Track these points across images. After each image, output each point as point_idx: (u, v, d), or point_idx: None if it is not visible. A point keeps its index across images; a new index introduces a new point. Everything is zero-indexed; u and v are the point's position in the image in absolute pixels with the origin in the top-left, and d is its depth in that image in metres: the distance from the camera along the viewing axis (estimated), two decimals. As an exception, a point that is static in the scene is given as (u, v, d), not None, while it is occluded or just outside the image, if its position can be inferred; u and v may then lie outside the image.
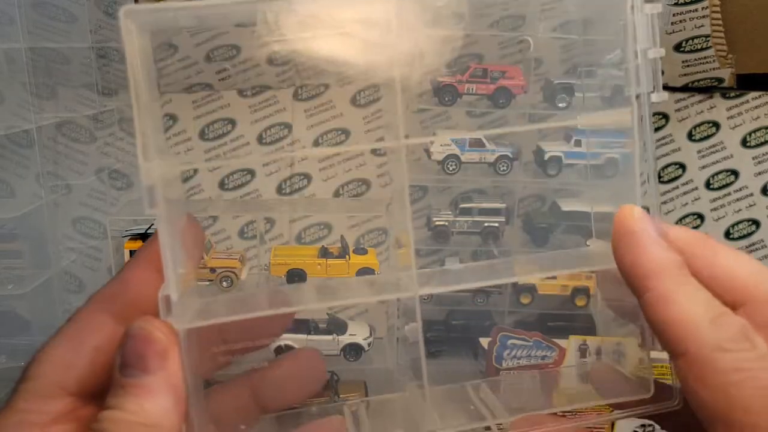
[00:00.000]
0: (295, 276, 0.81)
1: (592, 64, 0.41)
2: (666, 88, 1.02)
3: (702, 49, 0.88)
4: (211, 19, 0.40)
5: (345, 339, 0.82)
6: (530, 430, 0.36)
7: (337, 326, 0.82)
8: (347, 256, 0.81)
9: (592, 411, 0.38)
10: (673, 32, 0.87)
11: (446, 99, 0.82)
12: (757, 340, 0.30)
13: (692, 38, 0.87)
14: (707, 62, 0.89)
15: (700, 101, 0.96)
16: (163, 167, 0.31)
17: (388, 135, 0.35)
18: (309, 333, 0.81)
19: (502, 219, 0.87)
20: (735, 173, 0.97)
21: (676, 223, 0.98)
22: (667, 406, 0.36)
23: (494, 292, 0.88)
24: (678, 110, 0.96)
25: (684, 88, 0.94)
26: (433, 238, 0.87)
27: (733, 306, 0.31)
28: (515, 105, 0.83)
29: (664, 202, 0.98)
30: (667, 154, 0.98)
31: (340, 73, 0.34)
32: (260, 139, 0.95)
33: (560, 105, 0.81)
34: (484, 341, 0.79)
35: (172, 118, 0.94)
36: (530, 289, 0.88)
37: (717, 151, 0.97)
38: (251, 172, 0.95)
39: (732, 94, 0.95)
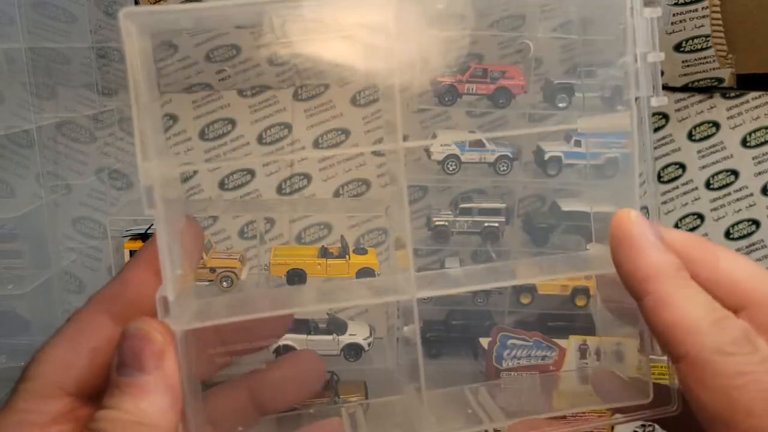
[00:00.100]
0: (295, 276, 0.81)
1: (592, 64, 0.41)
2: (666, 88, 1.03)
3: (702, 49, 0.88)
4: (211, 21, 0.39)
5: (345, 339, 0.82)
6: None
7: (337, 326, 0.82)
8: (347, 256, 0.81)
9: (591, 415, 0.38)
10: (673, 32, 0.87)
11: (446, 99, 0.82)
12: (759, 343, 0.30)
13: (692, 38, 0.87)
14: (707, 62, 0.89)
15: (700, 101, 0.96)
16: (162, 167, 0.31)
17: (388, 135, 0.35)
18: (309, 333, 0.81)
19: (502, 219, 0.87)
20: (735, 173, 0.97)
21: (676, 223, 0.98)
22: (665, 411, 0.36)
23: (494, 292, 0.88)
24: (678, 110, 0.96)
25: (684, 88, 0.94)
26: (433, 238, 0.87)
27: (734, 309, 0.31)
28: (515, 105, 0.83)
29: (664, 202, 0.98)
30: (667, 154, 0.98)
31: (341, 76, 0.35)
32: (260, 139, 0.95)
33: (560, 105, 0.81)
34: (484, 341, 0.79)
35: (172, 118, 0.94)
36: (530, 289, 0.88)
37: (717, 151, 0.97)
38: (251, 172, 0.95)
39: (732, 94, 0.95)
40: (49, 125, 0.87)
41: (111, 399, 0.29)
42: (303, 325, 0.82)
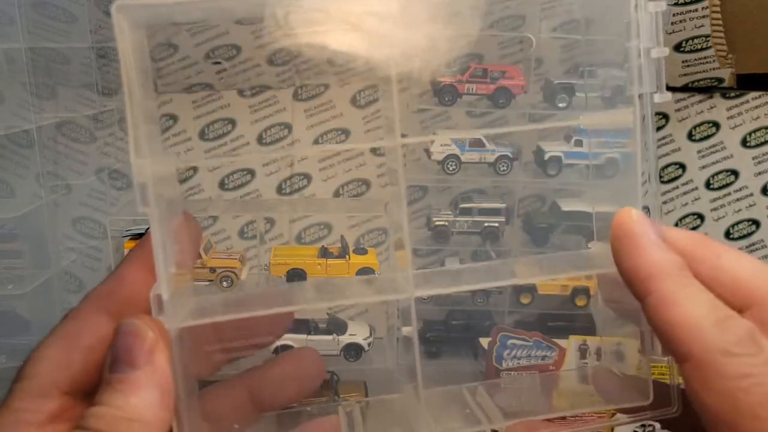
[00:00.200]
0: (295, 276, 0.81)
1: (593, 63, 0.41)
2: (666, 88, 1.02)
3: (702, 49, 0.88)
4: (209, 15, 0.39)
5: (345, 339, 0.82)
6: None
7: (337, 326, 0.82)
8: (347, 256, 0.81)
9: (590, 416, 0.38)
10: (673, 32, 0.87)
11: (446, 99, 0.82)
12: (764, 344, 0.29)
13: (692, 38, 0.87)
14: (707, 62, 0.89)
15: (700, 101, 0.96)
16: (156, 165, 0.30)
17: (387, 134, 0.35)
18: (309, 333, 0.81)
19: (502, 219, 0.87)
20: (735, 173, 0.97)
21: (676, 223, 0.98)
22: (666, 412, 0.36)
23: (494, 292, 0.88)
24: (678, 110, 0.96)
25: (684, 88, 0.94)
26: (433, 238, 0.87)
27: (738, 308, 0.31)
28: (515, 105, 0.83)
29: (664, 202, 0.98)
30: (667, 154, 0.98)
31: (342, 71, 0.35)
32: (260, 139, 0.95)
33: (560, 105, 0.81)
34: (484, 341, 0.79)
35: (172, 118, 0.94)
36: (530, 289, 0.88)
37: (717, 151, 0.97)
38: (251, 172, 0.95)
39: (732, 94, 0.95)
40: (49, 125, 0.87)
41: (102, 395, 0.29)
42: (303, 325, 0.82)
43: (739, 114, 0.96)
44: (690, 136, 0.97)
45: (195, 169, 0.94)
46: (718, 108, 0.96)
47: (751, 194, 0.97)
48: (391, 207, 0.36)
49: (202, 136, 0.94)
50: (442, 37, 0.34)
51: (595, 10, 0.39)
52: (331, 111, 0.95)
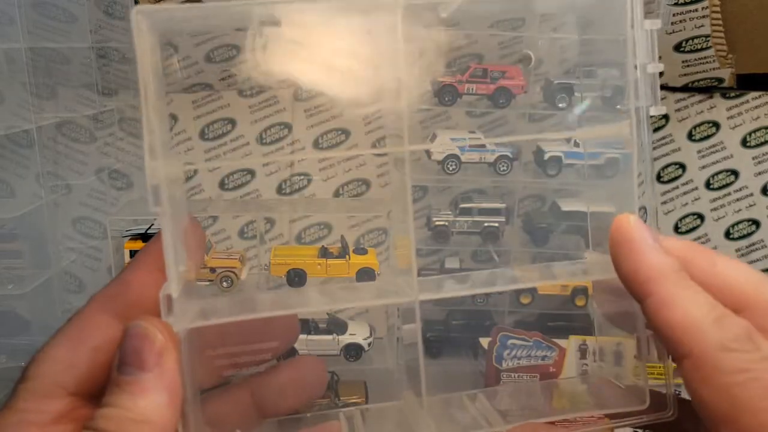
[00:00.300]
0: (295, 276, 0.81)
1: (593, 64, 0.41)
2: (666, 88, 1.03)
3: (702, 49, 0.88)
4: (223, 22, 0.40)
5: (345, 339, 0.82)
6: None
7: (337, 326, 0.82)
8: (347, 256, 0.81)
9: (590, 419, 0.38)
10: (673, 32, 0.87)
11: (446, 99, 0.82)
12: (760, 342, 0.30)
13: (692, 38, 0.87)
14: (707, 62, 0.89)
15: (700, 101, 0.96)
16: (168, 166, 0.31)
17: (389, 136, 0.35)
18: (309, 333, 0.81)
19: (502, 219, 0.87)
20: (735, 173, 0.97)
21: (676, 223, 0.98)
22: (661, 416, 0.36)
23: (494, 293, 0.88)
24: (678, 110, 0.96)
25: (684, 88, 0.94)
26: (433, 238, 0.87)
27: (733, 312, 0.32)
28: (515, 105, 0.83)
29: (664, 202, 0.98)
30: (667, 154, 0.98)
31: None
32: (260, 139, 0.95)
33: (560, 105, 0.81)
34: (484, 341, 0.79)
35: (173, 118, 0.94)
36: (530, 289, 0.88)
37: (717, 151, 0.97)
38: (251, 172, 0.95)
39: (732, 94, 0.95)
40: (49, 125, 0.87)
41: (110, 397, 0.29)
42: (303, 325, 0.81)
43: (739, 114, 0.96)
44: (690, 136, 0.97)
45: (195, 169, 0.94)
46: (718, 108, 0.96)
47: (751, 194, 0.97)
48: (394, 210, 0.36)
49: (202, 136, 0.95)
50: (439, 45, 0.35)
51: (594, 13, 0.40)
52: (331, 111, 0.95)
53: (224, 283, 0.80)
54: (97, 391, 0.31)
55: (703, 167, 0.97)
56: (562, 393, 0.44)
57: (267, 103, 0.95)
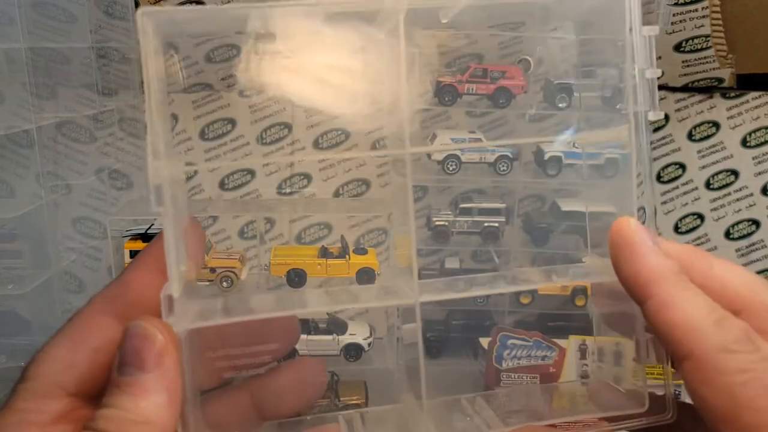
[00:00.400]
0: (295, 276, 0.81)
1: (593, 64, 0.41)
2: (666, 88, 1.03)
3: (702, 49, 0.88)
4: (225, 24, 0.40)
5: (345, 339, 0.82)
6: None
7: (337, 326, 0.82)
8: (347, 256, 0.81)
9: (590, 422, 0.39)
10: (673, 32, 0.87)
11: (446, 99, 0.82)
12: (759, 342, 0.30)
13: (692, 38, 0.87)
14: (707, 62, 0.89)
15: (700, 101, 0.96)
16: (170, 166, 0.31)
17: (390, 137, 0.36)
18: (309, 333, 0.81)
19: (502, 219, 0.87)
20: (735, 173, 0.97)
21: (676, 223, 0.98)
22: (661, 419, 0.37)
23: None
24: (678, 110, 0.96)
25: (684, 88, 0.94)
26: (433, 238, 0.87)
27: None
28: (515, 105, 0.83)
29: (664, 202, 0.98)
30: (667, 154, 0.98)
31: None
32: (260, 139, 0.95)
33: (560, 105, 0.81)
34: (484, 341, 0.79)
35: (173, 118, 0.94)
36: (530, 289, 0.88)
37: (717, 151, 0.97)
38: (251, 172, 0.95)
39: (732, 94, 0.95)
40: (49, 125, 0.87)
41: (110, 398, 0.29)
42: (303, 325, 0.81)
43: (739, 114, 0.96)
44: (690, 136, 0.97)
45: (195, 169, 0.94)
46: (718, 108, 0.96)
47: (751, 194, 0.97)
48: (394, 211, 0.36)
49: (202, 136, 0.95)
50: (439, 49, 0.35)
51: (594, 13, 0.40)
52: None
53: (224, 283, 0.80)
54: (97, 391, 0.31)
55: (703, 167, 0.97)
56: (561, 396, 0.45)
57: (267, 103, 0.95)
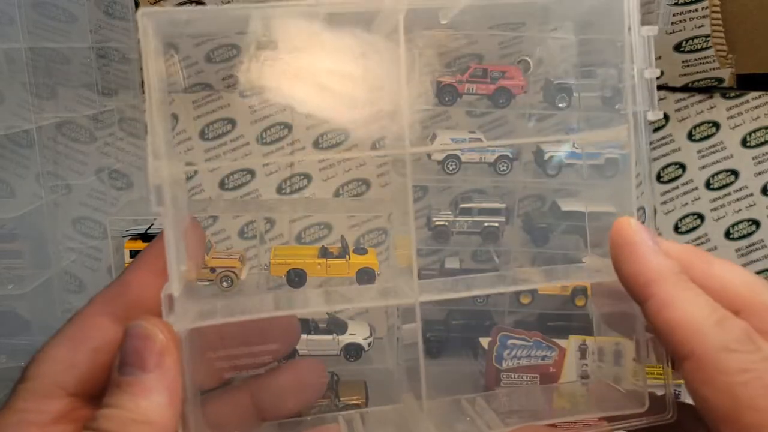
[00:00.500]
0: (295, 276, 0.81)
1: (593, 64, 0.41)
2: (666, 88, 1.03)
3: (702, 49, 0.88)
4: (225, 25, 0.40)
5: (345, 339, 0.82)
6: None
7: (337, 326, 0.82)
8: (347, 256, 0.81)
9: (590, 421, 0.39)
10: (673, 32, 0.87)
11: (446, 99, 0.82)
12: (760, 342, 0.30)
13: (692, 38, 0.87)
14: (707, 62, 0.89)
15: (700, 101, 0.96)
16: (170, 167, 0.31)
17: (390, 137, 0.36)
18: (309, 333, 0.81)
19: (502, 219, 0.87)
20: (735, 173, 0.97)
21: (676, 223, 0.98)
22: (661, 419, 0.37)
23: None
24: (678, 110, 0.96)
25: (684, 88, 0.94)
26: (433, 238, 0.87)
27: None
28: (515, 105, 0.83)
29: (664, 202, 0.98)
30: (667, 154, 0.98)
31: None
32: (260, 139, 0.95)
33: (560, 105, 0.81)
34: (484, 341, 0.79)
35: (173, 118, 0.94)
36: (530, 289, 0.88)
37: (717, 151, 0.97)
38: (251, 172, 0.95)
39: (732, 94, 0.95)
40: (49, 125, 0.87)
41: (111, 397, 0.29)
42: (303, 325, 0.81)
43: (739, 114, 0.96)
44: (690, 136, 0.97)
45: (195, 169, 0.94)
46: (718, 108, 0.96)
47: (751, 194, 0.97)
48: (394, 210, 0.36)
49: (202, 136, 0.95)
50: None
51: (594, 13, 0.40)
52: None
53: (224, 283, 0.80)
54: (98, 391, 0.31)
55: (703, 167, 0.97)
56: (561, 396, 0.45)
57: (267, 102, 0.95)
